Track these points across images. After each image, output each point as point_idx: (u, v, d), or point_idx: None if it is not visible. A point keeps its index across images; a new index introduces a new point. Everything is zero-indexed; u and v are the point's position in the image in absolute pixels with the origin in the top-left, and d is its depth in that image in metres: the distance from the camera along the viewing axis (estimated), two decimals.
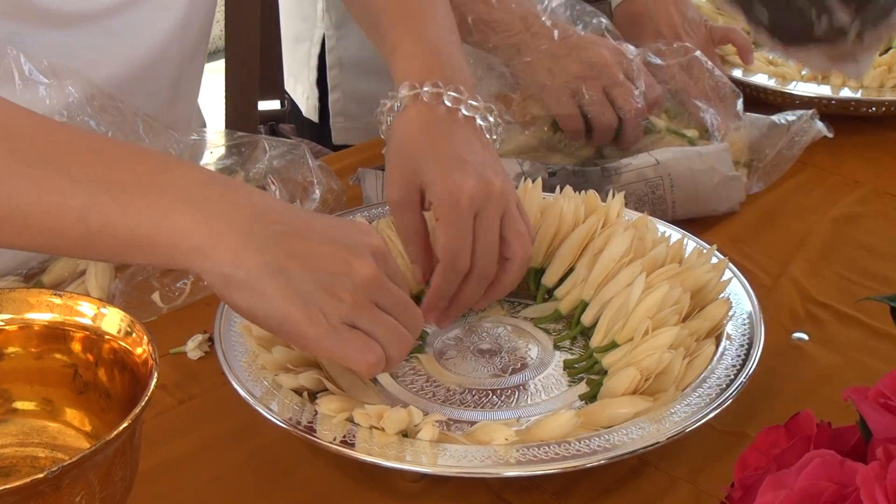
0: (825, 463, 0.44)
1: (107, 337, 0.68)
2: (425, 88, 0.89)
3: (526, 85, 1.17)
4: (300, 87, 1.54)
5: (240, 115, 1.42)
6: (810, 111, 1.20)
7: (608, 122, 1.16)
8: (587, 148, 1.20)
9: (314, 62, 1.49)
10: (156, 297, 0.98)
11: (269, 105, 1.46)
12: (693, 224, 1.10)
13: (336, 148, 1.39)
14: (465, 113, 0.90)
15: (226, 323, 0.87)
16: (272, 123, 1.46)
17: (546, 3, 1.20)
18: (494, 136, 0.92)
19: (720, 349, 0.87)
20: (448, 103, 0.89)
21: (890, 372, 0.48)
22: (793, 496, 0.44)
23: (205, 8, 1.09)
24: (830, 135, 1.19)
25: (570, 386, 0.88)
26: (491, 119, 0.92)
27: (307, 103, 1.53)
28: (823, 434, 0.48)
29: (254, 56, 1.32)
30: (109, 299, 0.96)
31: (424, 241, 0.91)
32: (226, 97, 1.29)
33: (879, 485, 0.41)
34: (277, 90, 1.49)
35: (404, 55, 0.93)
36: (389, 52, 0.95)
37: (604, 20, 1.24)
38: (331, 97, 1.46)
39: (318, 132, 1.54)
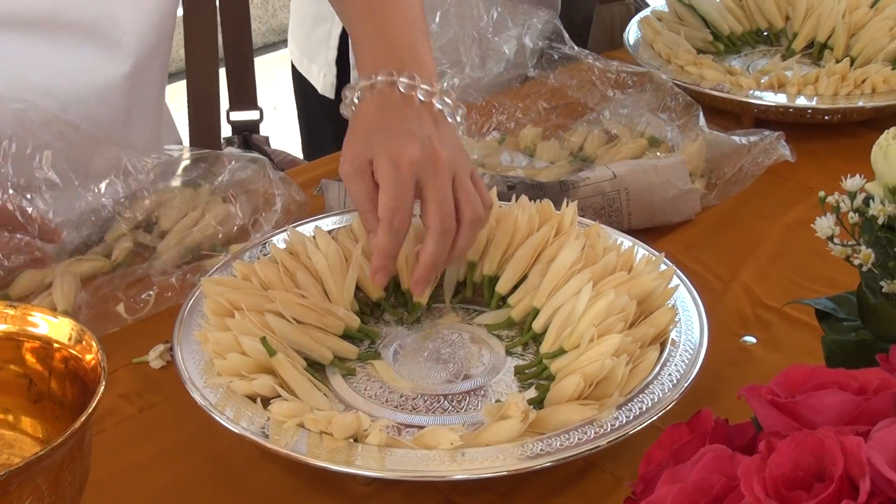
0: (717, 457, 0.47)
1: (56, 346, 0.70)
2: (379, 78, 0.94)
3: None
4: (315, 66, 1.64)
5: (203, 132, 1.44)
6: (776, 133, 1.22)
7: None
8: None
9: (335, 42, 1.60)
10: (121, 308, 1.01)
11: (243, 115, 1.48)
12: (649, 230, 1.13)
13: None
14: (421, 98, 0.94)
15: (184, 332, 0.90)
16: (246, 133, 1.48)
17: (486, 18, 1.22)
18: (458, 118, 0.97)
19: (665, 354, 0.89)
20: (402, 90, 0.94)
21: (782, 371, 0.50)
22: (686, 489, 0.46)
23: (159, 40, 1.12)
24: (793, 159, 1.21)
25: (520, 391, 0.91)
26: (449, 101, 0.96)
27: (324, 80, 1.63)
28: (720, 430, 0.50)
29: (213, 74, 1.34)
30: (75, 311, 0.98)
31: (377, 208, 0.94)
32: (188, 115, 1.33)
33: (758, 476, 0.43)
34: (252, 101, 1.52)
35: (364, 49, 0.98)
36: (355, 44, 1.00)
37: (538, 21, 1.26)
38: (353, 74, 1.53)
39: (330, 107, 1.62)
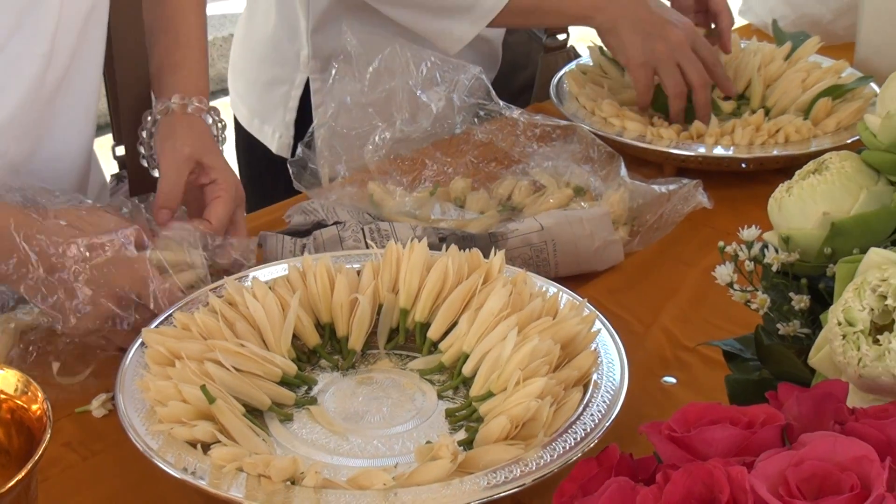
0: (620, 488, 0.51)
1: (3, 396, 0.73)
2: (172, 101, 1.18)
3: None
4: (269, 126, 1.70)
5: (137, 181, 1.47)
6: (694, 182, 1.28)
7: (683, 92, 1.45)
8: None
9: (294, 104, 1.66)
10: (55, 368, 1.03)
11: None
12: (575, 276, 1.18)
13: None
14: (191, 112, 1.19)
15: (126, 381, 0.93)
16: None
17: (416, 74, 1.27)
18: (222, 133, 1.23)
19: (588, 396, 0.94)
20: (189, 110, 1.19)
21: (681, 408, 0.55)
22: None
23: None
24: (710, 205, 1.27)
25: (451, 433, 0.95)
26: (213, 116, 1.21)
27: (279, 141, 1.69)
28: (624, 464, 0.55)
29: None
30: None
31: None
32: (127, 165, 1.36)
33: (655, 502, 0.48)
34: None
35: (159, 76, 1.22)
36: (153, 72, 1.23)
37: (466, 78, 1.32)
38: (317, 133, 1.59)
39: (280, 165, 1.62)
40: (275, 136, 1.69)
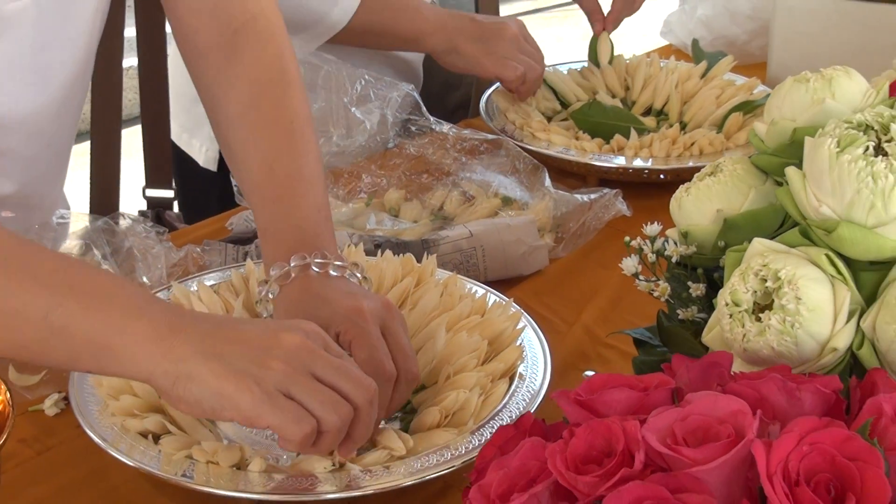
0: (533, 447, 0.58)
1: None
2: (293, 263, 0.96)
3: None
4: (196, 140, 1.73)
5: (102, 200, 1.53)
6: (614, 191, 1.36)
7: (538, 72, 1.61)
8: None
9: None
10: (11, 373, 1.07)
11: (158, 193, 1.59)
12: (503, 281, 1.25)
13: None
14: (333, 273, 0.97)
15: (79, 378, 0.99)
16: (159, 210, 1.58)
17: (351, 91, 1.34)
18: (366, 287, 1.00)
19: (513, 387, 1.01)
20: (316, 269, 0.96)
21: (587, 379, 0.62)
22: (509, 473, 0.58)
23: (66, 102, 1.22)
24: (629, 213, 1.35)
25: (386, 423, 1.01)
26: (358, 275, 0.99)
27: (205, 154, 1.72)
28: (537, 428, 0.62)
29: (115, 144, 1.46)
30: None
31: None
32: (90, 183, 1.44)
33: (561, 456, 0.55)
34: (167, 181, 1.62)
35: (272, 239, 1.01)
36: (262, 232, 1.03)
37: (398, 95, 1.40)
38: None
39: (211, 178, 1.72)
40: (202, 150, 1.73)
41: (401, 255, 1.16)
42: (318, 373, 0.80)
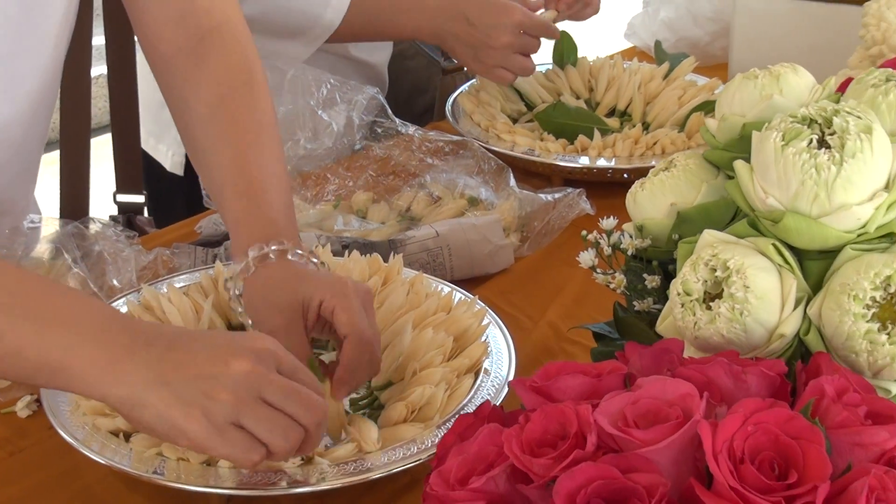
0: (491, 433, 0.60)
1: None
2: (272, 247, 1.00)
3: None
4: (163, 146, 1.76)
5: (72, 205, 1.55)
6: (578, 190, 1.38)
7: (531, 71, 1.63)
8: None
9: None
10: None
11: (128, 198, 1.60)
12: (469, 280, 1.27)
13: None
14: (314, 261, 1.02)
15: None
16: (130, 215, 1.59)
17: (317, 94, 1.36)
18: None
19: (479, 382, 1.03)
20: (292, 257, 1.01)
21: (543, 367, 0.64)
22: (468, 459, 0.60)
23: (37, 109, 1.23)
24: (593, 212, 1.37)
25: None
26: (315, 260, 1.03)
27: (172, 159, 1.75)
28: (496, 415, 0.64)
29: (85, 150, 1.47)
30: None
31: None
32: (60, 189, 1.45)
33: (517, 440, 0.57)
34: (137, 186, 1.64)
35: (246, 229, 1.04)
36: (233, 224, 1.06)
37: (364, 98, 1.42)
38: None
39: (178, 182, 1.75)
40: (168, 155, 1.76)
41: (368, 255, 1.18)
42: (268, 398, 0.82)
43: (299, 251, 1.01)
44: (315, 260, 1.03)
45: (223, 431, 0.81)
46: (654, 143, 1.52)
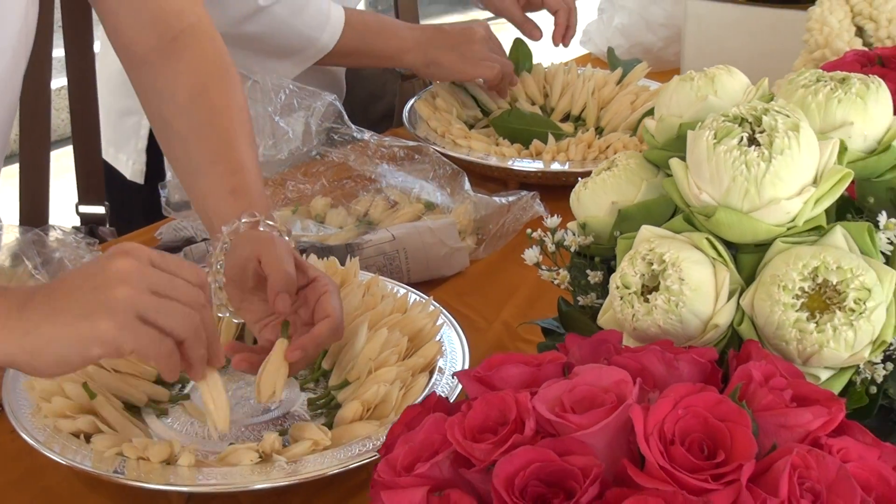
0: (436, 421, 0.63)
1: None
2: (244, 220, 1.06)
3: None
4: (123, 155, 1.78)
5: (32, 214, 1.56)
6: (531, 193, 1.41)
7: (511, 65, 1.70)
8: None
9: (145, 132, 1.75)
10: None
11: (90, 209, 1.62)
12: (426, 282, 1.30)
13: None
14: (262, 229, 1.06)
15: (12, 383, 1.02)
16: (93, 225, 1.61)
17: (275, 101, 1.39)
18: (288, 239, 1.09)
19: (433, 380, 1.06)
20: (262, 228, 1.06)
21: (487, 359, 0.67)
22: (414, 447, 0.62)
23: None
24: (547, 214, 1.40)
25: (312, 419, 1.06)
26: (286, 237, 1.08)
27: (132, 168, 1.78)
28: (441, 405, 0.66)
29: (45, 159, 1.49)
30: None
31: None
32: (20, 197, 1.47)
33: (459, 427, 0.60)
34: (100, 198, 1.66)
35: (243, 197, 1.09)
36: (228, 193, 1.09)
37: (321, 105, 1.44)
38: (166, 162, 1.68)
39: (138, 190, 1.77)
40: (129, 164, 1.78)
41: (325, 258, 1.20)
42: (156, 288, 0.84)
43: (270, 222, 1.07)
44: (286, 237, 1.08)
45: (131, 324, 0.83)
46: (607, 147, 1.55)
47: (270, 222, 1.07)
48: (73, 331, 0.83)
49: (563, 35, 1.79)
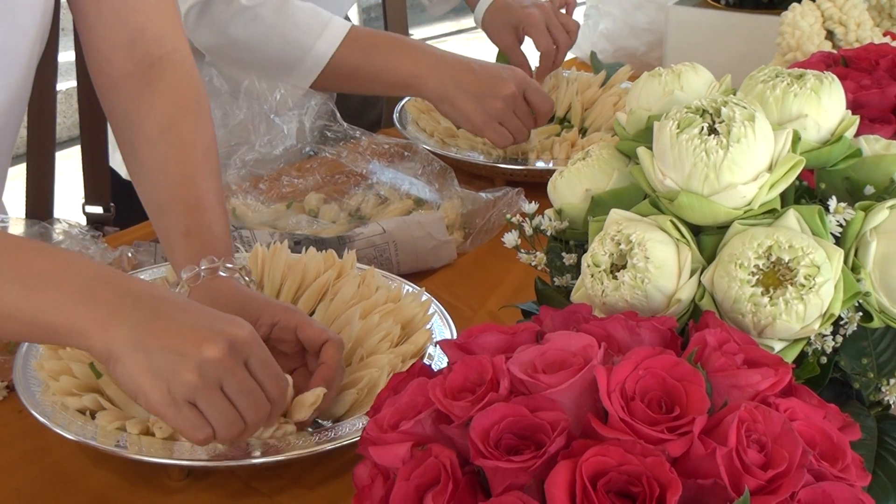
0: (420, 385, 0.68)
1: None
2: (227, 265, 1.09)
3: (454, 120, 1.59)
4: (118, 154, 1.74)
5: (38, 209, 1.63)
6: (516, 189, 1.47)
7: (525, 136, 1.58)
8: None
9: None
10: None
11: (96, 210, 1.68)
12: (416, 274, 1.36)
13: None
14: (223, 274, 1.08)
15: (23, 363, 1.07)
16: (98, 225, 1.67)
17: (271, 99, 1.45)
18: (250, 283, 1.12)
19: None
20: (222, 273, 1.08)
21: (467, 328, 0.73)
22: (400, 408, 0.68)
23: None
24: (530, 211, 1.46)
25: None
26: (247, 278, 1.11)
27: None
28: (425, 370, 0.72)
29: (50, 157, 1.55)
30: None
31: None
32: (26, 193, 1.53)
33: (440, 387, 0.65)
34: (105, 199, 1.71)
35: (196, 240, 1.11)
36: (183, 234, 1.12)
37: (315, 104, 1.50)
38: None
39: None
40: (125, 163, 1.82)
41: (323, 251, 1.26)
42: (226, 389, 0.90)
43: (229, 265, 1.08)
44: (247, 278, 1.11)
45: (179, 406, 0.89)
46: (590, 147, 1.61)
47: (230, 265, 1.09)
48: (137, 377, 0.88)
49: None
